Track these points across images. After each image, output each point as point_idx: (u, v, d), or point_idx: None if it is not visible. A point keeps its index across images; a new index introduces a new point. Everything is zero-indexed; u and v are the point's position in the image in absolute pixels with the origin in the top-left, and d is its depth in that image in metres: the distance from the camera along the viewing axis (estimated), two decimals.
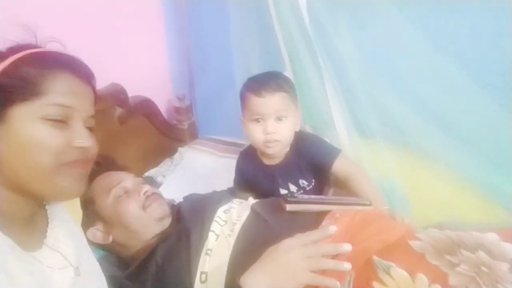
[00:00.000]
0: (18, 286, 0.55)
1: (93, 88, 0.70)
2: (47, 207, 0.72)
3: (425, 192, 1.12)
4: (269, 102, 0.99)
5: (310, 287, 0.71)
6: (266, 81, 1.00)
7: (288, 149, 1.09)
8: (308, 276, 0.69)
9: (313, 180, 1.12)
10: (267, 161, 1.12)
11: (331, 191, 1.22)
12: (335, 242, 0.76)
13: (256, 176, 1.14)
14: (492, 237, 0.79)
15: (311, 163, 1.08)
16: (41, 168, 0.60)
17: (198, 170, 1.57)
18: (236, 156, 1.57)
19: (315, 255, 0.72)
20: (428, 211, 1.03)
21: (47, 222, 0.70)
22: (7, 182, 0.61)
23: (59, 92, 0.62)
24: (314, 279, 0.70)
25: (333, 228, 0.76)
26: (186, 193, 1.30)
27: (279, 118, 1.01)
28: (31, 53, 0.64)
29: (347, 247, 0.73)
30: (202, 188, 1.38)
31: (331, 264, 0.72)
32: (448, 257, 0.76)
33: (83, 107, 0.65)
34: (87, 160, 0.66)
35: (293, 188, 1.10)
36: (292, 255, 0.71)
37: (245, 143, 1.60)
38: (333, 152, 1.08)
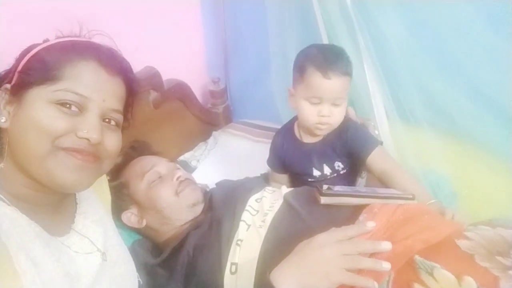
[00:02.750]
0: (44, 272, 0.55)
1: (126, 82, 0.68)
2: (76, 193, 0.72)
3: (476, 186, 1.03)
4: (334, 86, 0.92)
5: (345, 287, 0.66)
6: (335, 61, 0.92)
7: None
8: (343, 275, 0.65)
9: (348, 166, 1.07)
10: (305, 139, 1.07)
11: (362, 181, 1.16)
12: (373, 239, 0.71)
13: (291, 153, 1.09)
14: None
15: (348, 149, 1.03)
16: (33, 149, 0.59)
17: (232, 154, 1.55)
18: (270, 141, 1.56)
19: (351, 252, 0.67)
20: (479, 208, 0.95)
21: (76, 208, 0.71)
22: (18, 164, 0.61)
23: (77, 80, 0.61)
24: (349, 278, 0.65)
25: (371, 224, 0.71)
26: (220, 178, 1.29)
27: (336, 103, 0.95)
28: (64, 41, 0.64)
29: (386, 245, 0.68)
30: (235, 173, 1.37)
31: (368, 263, 0.67)
32: (500, 258, 0.69)
33: (103, 98, 0.63)
34: (92, 154, 0.62)
35: (327, 170, 1.06)
36: (326, 251, 0.67)
37: (280, 126, 1.56)
38: (371, 144, 1.00)
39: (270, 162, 1.17)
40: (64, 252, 0.62)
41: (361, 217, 0.79)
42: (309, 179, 1.08)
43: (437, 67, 1.10)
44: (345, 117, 1.02)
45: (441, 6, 1.06)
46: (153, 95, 1.36)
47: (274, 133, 1.56)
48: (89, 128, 0.61)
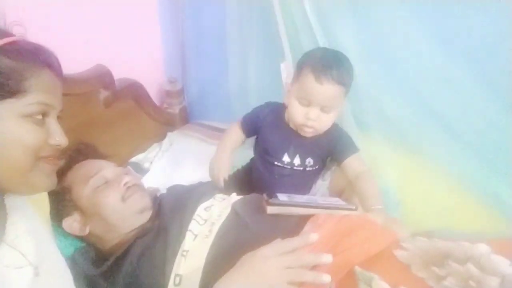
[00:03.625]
0: None
1: (62, 80, 0.68)
2: (6, 201, 0.68)
3: (419, 194, 1.07)
4: (324, 92, 0.92)
5: None
6: (330, 67, 0.92)
7: None
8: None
9: (318, 165, 1.09)
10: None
11: (324, 183, 1.19)
12: (316, 250, 0.72)
13: (271, 129, 1.08)
14: (483, 248, 0.74)
15: (327, 150, 1.07)
16: (18, 166, 0.60)
17: (187, 156, 1.51)
18: None
19: (294, 265, 0.68)
20: (421, 216, 0.99)
21: (6, 217, 0.66)
22: None
23: (41, 89, 0.61)
24: None
25: (314, 236, 0.72)
26: (173, 181, 1.27)
27: (324, 109, 0.96)
28: (8, 43, 0.59)
29: (327, 258, 0.69)
30: (190, 176, 1.35)
31: (310, 276, 0.67)
32: (435, 268, 0.72)
33: (58, 103, 0.65)
34: (59, 156, 0.67)
35: (297, 161, 1.07)
36: (269, 264, 0.67)
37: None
38: (351, 149, 1.06)
39: (246, 123, 1.14)
40: None
41: (306, 228, 0.81)
42: (276, 162, 1.08)
43: (388, 80, 1.13)
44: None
45: (392, 21, 1.09)
46: (104, 94, 1.31)
47: None
48: (57, 134, 0.64)
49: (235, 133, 1.15)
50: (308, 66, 0.95)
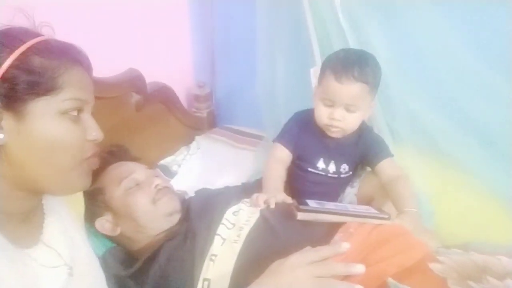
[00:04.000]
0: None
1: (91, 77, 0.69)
2: (43, 201, 0.70)
3: (454, 206, 1.04)
4: (345, 91, 0.92)
5: None
6: (351, 66, 0.91)
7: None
8: None
9: (352, 171, 1.08)
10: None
11: (352, 190, 1.16)
12: (347, 261, 0.70)
13: (306, 136, 1.08)
14: None
15: (361, 154, 1.06)
16: (62, 166, 0.61)
17: (214, 160, 1.53)
18: (253, 148, 1.55)
19: (324, 275, 0.66)
20: (455, 228, 0.95)
21: (43, 217, 0.68)
22: (13, 178, 0.60)
23: (74, 85, 0.61)
24: None
25: (345, 246, 0.70)
26: (200, 184, 1.28)
27: (349, 109, 0.95)
28: (39, 43, 0.60)
29: (360, 268, 0.67)
30: (216, 180, 1.36)
31: (341, 286, 0.66)
32: (472, 283, 0.69)
33: (91, 98, 0.66)
34: (96, 153, 0.66)
35: (331, 168, 1.07)
36: (299, 273, 0.65)
37: (264, 134, 1.56)
38: (384, 153, 1.05)
39: (285, 136, 1.11)
40: (30, 266, 0.59)
41: (336, 237, 0.79)
42: (310, 168, 1.07)
43: (423, 89, 1.11)
44: (364, 125, 1.04)
45: (426, 28, 1.07)
46: (135, 97, 1.34)
47: (257, 140, 1.58)
48: (93, 129, 0.64)
49: (281, 153, 1.10)
50: (329, 67, 0.95)
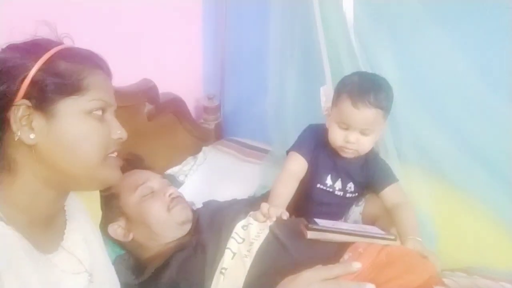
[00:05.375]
0: None
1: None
2: (66, 208, 0.72)
3: (457, 230, 1.06)
4: (361, 116, 0.95)
5: None
6: (367, 92, 0.94)
7: None
8: None
9: (358, 192, 1.10)
10: None
11: (357, 209, 1.18)
12: (357, 279, 0.73)
13: (320, 153, 1.08)
14: None
15: (366, 177, 1.08)
16: (90, 161, 0.64)
17: (220, 172, 1.54)
18: (259, 162, 1.57)
19: None
20: (458, 251, 0.97)
21: (65, 224, 0.70)
22: (44, 177, 0.63)
23: (98, 87, 0.65)
24: None
25: (357, 265, 0.72)
26: (206, 195, 1.29)
27: (364, 132, 0.98)
28: (63, 50, 0.65)
29: (370, 287, 0.69)
30: (222, 191, 1.37)
31: None
32: None
33: (114, 101, 0.70)
34: (120, 150, 0.70)
35: (338, 185, 1.08)
36: None
37: (270, 148, 1.58)
38: (389, 178, 1.06)
39: (301, 145, 1.10)
40: (52, 272, 0.61)
41: (346, 256, 0.81)
42: (318, 185, 1.09)
43: (429, 112, 1.13)
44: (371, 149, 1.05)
45: (434, 52, 1.10)
46: (148, 107, 1.37)
47: (263, 154, 1.60)
48: (118, 128, 0.68)
49: (297, 164, 1.07)
50: (345, 92, 0.97)
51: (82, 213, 0.76)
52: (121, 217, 1.00)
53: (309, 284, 0.68)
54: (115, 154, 0.69)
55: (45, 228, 0.65)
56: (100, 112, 0.65)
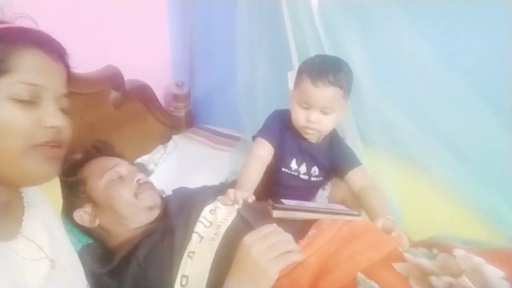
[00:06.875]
0: None
1: (66, 66, 0.67)
2: (23, 194, 0.69)
3: (421, 207, 1.09)
4: (321, 95, 0.96)
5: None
6: (326, 71, 0.96)
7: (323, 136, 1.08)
8: (275, 264, 0.70)
9: (322, 177, 1.11)
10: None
11: (324, 193, 1.20)
12: (318, 253, 0.76)
13: (285, 137, 1.09)
14: (477, 260, 0.77)
15: (331, 163, 1.09)
16: (8, 151, 0.58)
17: (191, 160, 1.54)
18: (231, 149, 1.57)
19: (274, 241, 0.72)
20: (422, 228, 1.00)
21: (23, 211, 0.68)
22: None
23: (27, 69, 0.59)
24: (281, 263, 0.70)
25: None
26: (177, 183, 1.29)
27: (324, 111, 0.99)
28: (1, 28, 0.60)
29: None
30: (193, 179, 1.36)
31: (292, 245, 0.74)
32: (434, 278, 0.74)
33: (54, 85, 0.63)
34: (59, 143, 0.63)
35: (302, 169, 1.09)
36: (253, 251, 0.71)
37: (242, 136, 1.58)
38: (353, 162, 1.08)
39: (267, 131, 1.10)
40: (11, 259, 0.59)
41: (310, 232, 0.83)
42: (283, 168, 1.10)
43: (394, 96, 1.16)
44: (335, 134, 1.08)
45: (400, 38, 1.12)
46: (114, 95, 1.34)
47: (234, 141, 1.60)
48: (52, 116, 0.61)
49: (263, 149, 1.07)
50: (305, 72, 0.99)
51: (42, 199, 0.74)
52: (88, 203, 0.98)
53: (250, 246, 0.72)
54: (49, 145, 0.61)
55: (0, 216, 0.63)
56: (28, 98, 0.58)
